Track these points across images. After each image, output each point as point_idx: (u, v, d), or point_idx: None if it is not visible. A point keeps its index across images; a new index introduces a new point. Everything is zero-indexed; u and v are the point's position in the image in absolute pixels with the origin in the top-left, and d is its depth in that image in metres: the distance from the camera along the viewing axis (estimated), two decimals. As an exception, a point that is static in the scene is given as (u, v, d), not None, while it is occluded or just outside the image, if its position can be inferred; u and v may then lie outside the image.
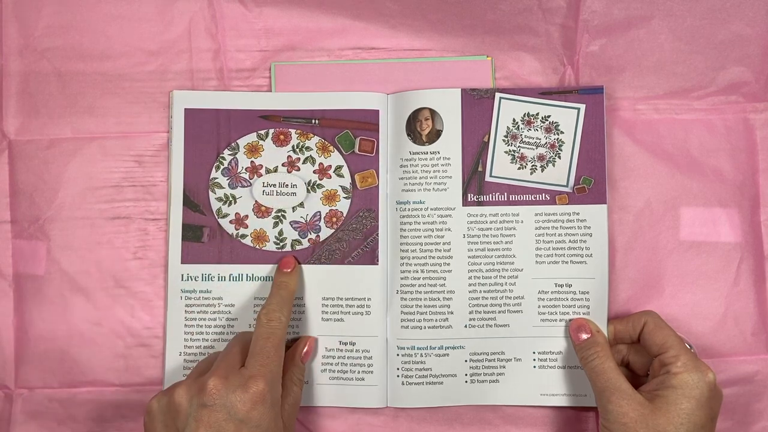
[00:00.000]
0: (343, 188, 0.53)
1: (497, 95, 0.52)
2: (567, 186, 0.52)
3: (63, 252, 0.53)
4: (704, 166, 0.53)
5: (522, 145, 0.52)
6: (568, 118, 0.52)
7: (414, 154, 0.52)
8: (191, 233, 0.53)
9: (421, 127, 0.52)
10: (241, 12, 0.54)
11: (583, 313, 0.51)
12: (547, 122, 0.52)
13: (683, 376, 0.44)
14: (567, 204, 0.52)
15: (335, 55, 0.54)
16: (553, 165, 0.52)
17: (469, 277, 0.52)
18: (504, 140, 0.52)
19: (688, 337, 0.51)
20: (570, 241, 0.51)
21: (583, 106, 0.52)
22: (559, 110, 0.52)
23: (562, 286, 0.51)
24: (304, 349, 0.50)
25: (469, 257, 0.52)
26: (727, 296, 0.52)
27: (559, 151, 0.52)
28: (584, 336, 0.49)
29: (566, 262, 0.51)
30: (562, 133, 0.52)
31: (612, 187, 0.52)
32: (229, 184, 0.53)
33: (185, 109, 0.53)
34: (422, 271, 0.52)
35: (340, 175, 0.53)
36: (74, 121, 0.54)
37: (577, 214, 0.51)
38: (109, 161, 0.54)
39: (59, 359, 0.53)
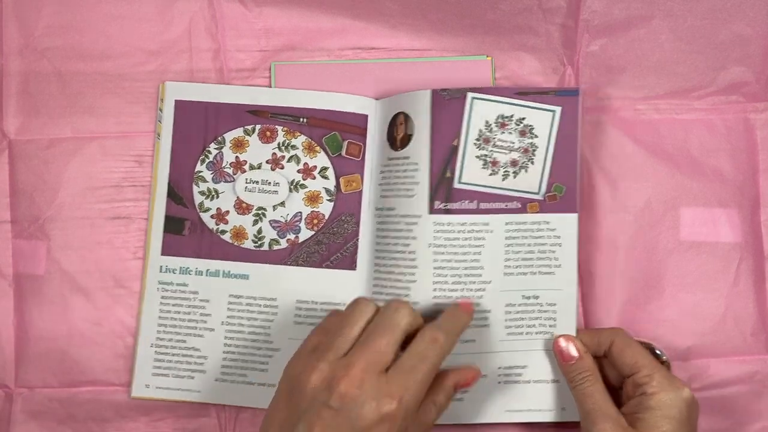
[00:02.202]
0: (327, 190, 0.52)
1: (469, 95, 0.50)
2: (538, 193, 0.50)
3: (63, 252, 0.53)
4: (704, 166, 0.53)
5: (495, 149, 0.50)
6: (543, 120, 0.49)
7: (390, 159, 0.51)
8: (173, 225, 0.53)
9: (396, 132, 0.51)
10: (241, 12, 0.54)
11: (550, 326, 0.49)
12: (522, 125, 0.50)
13: (659, 396, 0.44)
14: (537, 212, 0.49)
15: (335, 55, 0.54)
16: (526, 171, 0.50)
17: (434, 289, 0.49)
18: (476, 144, 0.50)
19: (688, 337, 0.51)
20: (539, 251, 0.49)
21: (558, 109, 0.49)
22: (534, 112, 0.50)
23: (529, 298, 0.49)
24: (463, 379, 0.45)
25: (434, 268, 0.49)
26: (727, 296, 0.52)
27: (533, 156, 0.50)
28: (572, 356, 0.47)
29: (534, 273, 0.49)
30: (536, 137, 0.49)
31: (612, 187, 0.52)
32: (212, 179, 0.53)
33: (176, 100, 0.53)
34: (389, 279, 0.50)
35: (325, 177, 0.52)
36: (74, 120, 0.54)
37: (547, 223, 0.49)
38: (109, 161, 0.54)
39: (59, 359, 0.53)
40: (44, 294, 0.53)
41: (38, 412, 0.53)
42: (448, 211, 0.50)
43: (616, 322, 0.52)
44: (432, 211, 0.50)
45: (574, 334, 0.49)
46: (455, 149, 0.50)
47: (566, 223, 0.49)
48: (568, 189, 0.49)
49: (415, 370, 0.41)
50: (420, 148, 0.50)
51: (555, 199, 0.49)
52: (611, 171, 0.53)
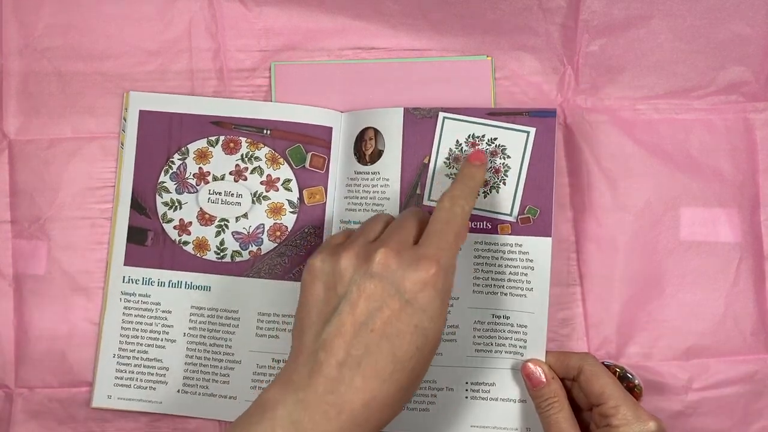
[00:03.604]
0: (290, 202, 0.52)
1: (440, 115, 0.50)
2: (510, 215, 0.49)
3: (63, 252, 0.53)
4: (704, 166, 0.53)
5: None
6: (516, 141, 0.49)
7: (358, 173, 0.52)
8: (136, 236, 0.52)
9: (365, 147, 0.51)
10: (241, 12, 0.54)
11: (520, 347, 0.49)
12: (494, 145, 0.50)
13: (624, 430, 0.43)
14: (509, 234, 0.49)
15: (335, 55, 0.54)
16: (497, 191, 0.50)
17: None
18: (446, 163, 0.50)
19: (688, 337, 0.51)
20: (510, 273, 0.49)
21: (533, 130, 0.49)
22: (506, 133, 0.49)
23: (499, 317, 0.49)
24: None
25: None
26: (727, 296, 0.52)
27: (505, 177, 0.49)
28: (540, 381, 0.47)
29: (505, 294, 0.49)
30: (508, 157, 0.49)
31: (612, 187, 0.52)
32: (176, 189, 0.53)
33: (140, 110, 0.53)
34: None
35: (288, 189, 0.52)
36: (74, 121, 0.54)
37: (520, 245, 0.49)
38: (109, 161, 0.54)
39: (59, 359, 0.53)
40: (44, 294, 0.53)
41: (38, 412, 0.53)
42: None
43: (616, 322, 0.52)
44: None
45: (543, 357, 0.48)
46: (426, 167, 0.50)
47: (540, 247, 0.49)
48: (542, 212, 0.49)
49: (444, 232, 0.42)
50: (391, 164, 0.51)
51: (528, 222, 0.49)
52: (611, 171, 0.53)
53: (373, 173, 0.51)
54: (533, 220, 0.49)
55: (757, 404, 0.52)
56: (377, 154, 0.51)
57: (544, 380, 0.47)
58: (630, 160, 0.53)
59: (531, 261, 0.49)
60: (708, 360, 0.51)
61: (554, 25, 0.53)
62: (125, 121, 0.53)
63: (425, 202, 0.50)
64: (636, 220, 0.53)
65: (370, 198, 0.51)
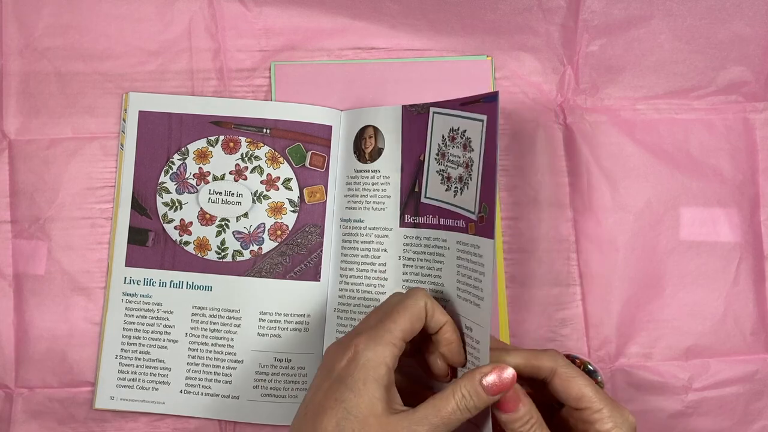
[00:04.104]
0: (291, 201, 0.52)
1: (431, 110, 0.48)
2: (474, 213, 0.43)
3: (64, 252, 0.53)
4: (704, 166, 0.53)
5: (449, 163, 0.46)
6: (475, 131, 0.43)
7: (358, 172, 0.52)
8: (137, 236, 0.53)
9: (365, 145, 0.52)
10: (241, 12, 0.54)
11: (475, 366, 0.40)
12: (464, 138, 0.45)
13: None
14: (474, 234, 0.42)
15: (335, 55, 0.54)
16: (467, 188, 0.44)
17: None
18: (436, 158, 0.47)
19: (688, 337, 0.52)
20: (474, 278, 0.42)
21: (485, 118, 0.42)
22: (470, 123, 0.44)
23: (469, 328, 0.42)
24: (489, 377, 0.38)
25: (403, 280, 0.49)
26: (727, 296, 0.52)
27: (471, 172, 0.43)
28: (515, 404, 0.39)
29: (470, 302, 0.42)
30: (473, 150, 0.43)
31: (612, 187, 0.52)
32: (176, 189, 0.53)
33: (140, 111, 0.53)
34: (358, 291, 0.51)
35: (289, 188, 0.52)
36: (74, 121, 0.54)
37: (477, 247, 0.42)
38: (109, 161, 0.54)
39: (59, 359, 0.53)
40: (44, 294, 0.53)
41: (38, 412, 0.52)
42: (416, 225, 0.49)
43: (616, 322, 0.52)
44: (402, 224, 0.50)
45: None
46: (422, 164, 0.49)
47: (487, 250, 0.41)
48: (490, 210, 0.42)
49: (382, 310, 0.41)
50: (391, 162, 0.51)
51: (483, 221, 0.42)
52: (611, 171, 0.53)
53: (374, 171, 0.51)
54: (485, 219, 0.42)
55: (757, 404, 0.52)
56: (377, 152, 0.51)
57: (520, 401, 0.39)
58: (630, 160, 0.53)
59: (482, 266, 0.41)
60: (708, 360, 0.51)
61: (554, 25, 0.53)
62: (125, 122, 0.53)
63: (422, 200, 0.49)
64: (636, 220, 0.53)
65: (371, 196, 0.51)
